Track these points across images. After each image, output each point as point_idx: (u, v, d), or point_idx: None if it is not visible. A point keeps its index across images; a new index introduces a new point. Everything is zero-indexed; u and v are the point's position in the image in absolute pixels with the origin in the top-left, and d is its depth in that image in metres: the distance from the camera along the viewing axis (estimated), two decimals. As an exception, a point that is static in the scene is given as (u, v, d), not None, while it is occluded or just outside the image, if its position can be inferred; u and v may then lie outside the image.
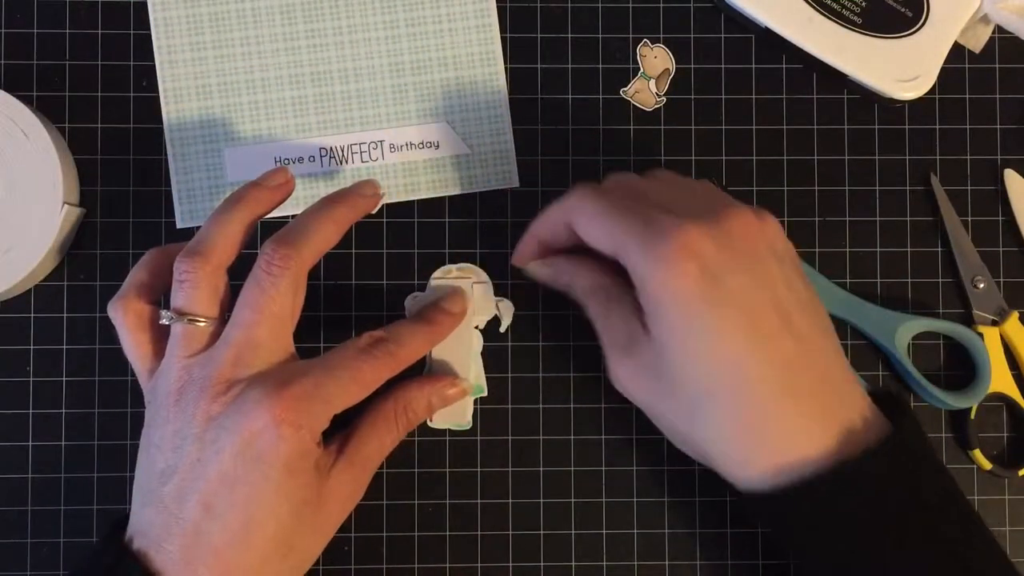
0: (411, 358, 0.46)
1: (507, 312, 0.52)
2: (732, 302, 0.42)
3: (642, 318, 0.44)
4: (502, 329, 0.50)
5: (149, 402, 0.45)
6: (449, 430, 0.52)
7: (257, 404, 0.41)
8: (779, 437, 0.42)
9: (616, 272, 0.45)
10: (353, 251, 0.53)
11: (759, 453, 0.42)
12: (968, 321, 0.54)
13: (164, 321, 0.44)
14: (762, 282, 0.42)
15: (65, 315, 0.52)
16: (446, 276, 0.51)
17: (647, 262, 0.42)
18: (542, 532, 0.52)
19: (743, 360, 0.41)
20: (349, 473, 0.45)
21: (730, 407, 0.42)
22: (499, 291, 0.51)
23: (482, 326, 0.51)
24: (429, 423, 0.51)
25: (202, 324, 0.44)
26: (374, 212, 0.48)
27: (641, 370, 0.44)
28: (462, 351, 0.50)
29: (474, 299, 0.50)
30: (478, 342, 0.51)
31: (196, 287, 0.44)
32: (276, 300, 0.43)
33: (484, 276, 0.51)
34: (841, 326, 0.53)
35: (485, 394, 0.52)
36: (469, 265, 0.51)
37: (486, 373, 0.52)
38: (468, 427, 0.51)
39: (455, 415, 0.51)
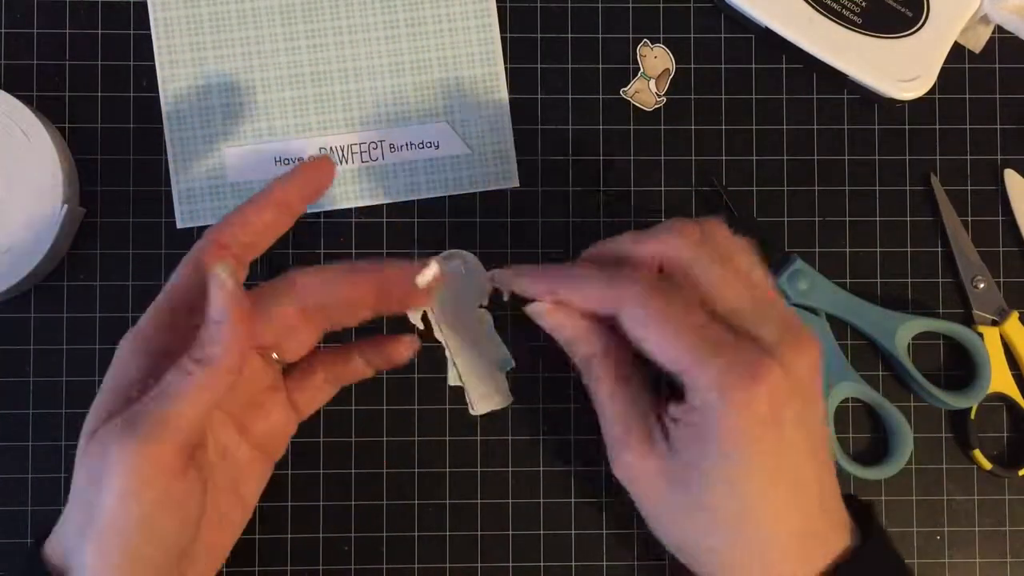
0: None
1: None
2: (788, 457, 0.41)
3: (662, 417, 0.42)
4: (505, 298, 0.47)
5: None
6: (449, 436, 0.52)
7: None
8: (781, 571, 0.42)
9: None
10: (353, 251, 0.53)
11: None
12: (968, 321, 0.54)
13: None
14: (811, 431, 0.42)
15: (65, 315, 0.52)
16: (432, 281, 0.47)
17: (724, 398, 0.39)
18: (542, 532, 0.52)
19: (783, 513, 0.41)
20: (144, 421, 0.40)
21: (752, 542, 0.41)
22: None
23: (485, 302, 0.52)
24: (471, 411, 0.52)
25: None
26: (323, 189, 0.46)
27: (656, 472, 0.42)
28: (476, 334, 0.51)
29: (468, 281, 0.51)
30: (487, 320, 0.52)
31: None
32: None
33: (469, 257, 0.52)
34: (841, 326, 0.53)
35: (513, 365, 0.52)
36: (453, 251, 0.52)
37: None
38: (510, 401, 0.52)
39: (491, 398, 0.52)
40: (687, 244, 0.42)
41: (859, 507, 0.45)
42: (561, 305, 0.43)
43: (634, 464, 0.42)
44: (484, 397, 0.52)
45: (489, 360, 0.52)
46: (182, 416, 0.40)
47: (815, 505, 0.42)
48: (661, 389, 0.43)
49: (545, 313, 0.44)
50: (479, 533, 0.52)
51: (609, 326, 0.43)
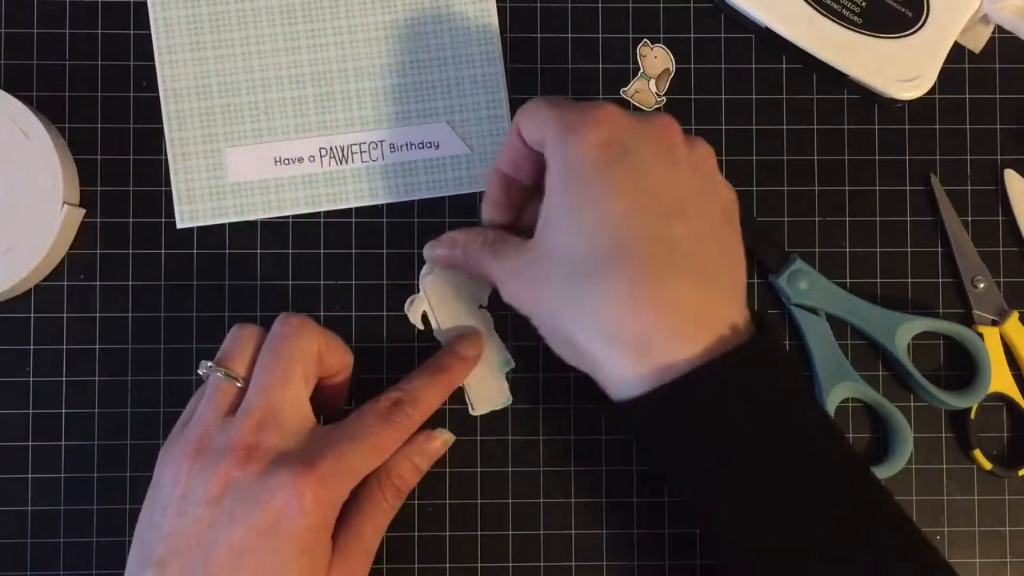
0: (428, 414, 0.47)
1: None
2: (631, 171, 0.42)
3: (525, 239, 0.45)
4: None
5: (161, 455, 0.44)
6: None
7: (285, 483, 0.41)
8: (655, 323, 0.41)
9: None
10: (353, 251, 0.53)
11: (633, 345, 0.41)
12: (968, 321, 0.54)
13: (201, 371, 0.45)
14: (668, 168, 0.43)
15: (65, 315, 0.52)
16: (430, 270, 0.52)
17: (560, 134, 0.43)
18: (542, 532, 0.52)
19: (629, 225, 0.41)
20: (347, 566, 0.44)
21: (610, 281, 0.41)
22: None
23: (485, 303, 0.52)
24: (471, 412, 0.52)
25: (237, 383, 0.44)
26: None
27: (526, 271, 0.44)
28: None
29: (468, 282, 0.51)
30: (488, 321, 0.52)
31: (240, 342, 0.45)
32: (292, 363, 0.44)
33: None
34: (841, 326, 0.53)
35: (513, 365, 0.52)
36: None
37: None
38: (510, 402, 0.52)
39: (491, 399, 0.52)
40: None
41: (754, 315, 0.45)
42: (439, 240, 0.50)
43: (511, 279, 0.45)
44: (484, 398, 0.52)
45: (489, 361, 0.52)
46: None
47: (686, 247, 0.41)
48: None
49: (432, 247, 0.51)
50: (479, 533, 0.52)
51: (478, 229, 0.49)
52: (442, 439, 0.49)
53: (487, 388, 0.52)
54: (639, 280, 0.41)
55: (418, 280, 0.52)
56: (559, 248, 0.42)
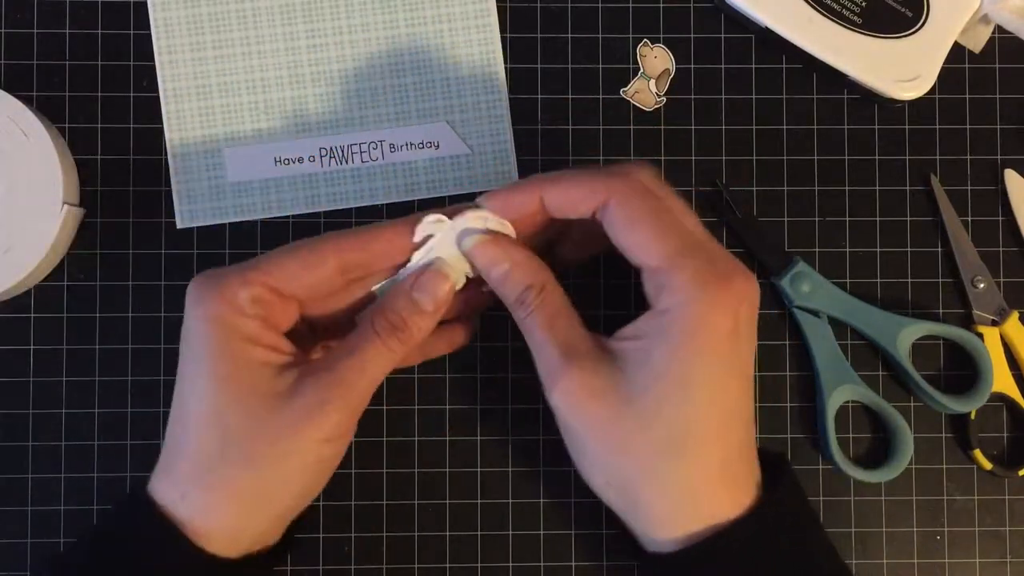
0: (365, 241, 0.44)
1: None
2: (741, 367, 0.42)
3: (604, 343, 0.43)
4: (485, 289, 0.46)
5: None
6: (449, 436, 0.52)
7: (189, 287, 0.43)
8: (727, 500, 0.42)
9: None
10: (353, 251, 0.53)
11: (685, 513, 0.42)
12: (968, 321, 0.54)
13: None
14: (752, 353, 0.43)
15: (65, 315, 0.52)
16: (477, 222, 0.45)
17: (698, 294, 0.40)
18: (542, 532, 0.52)
19: (738, 408, 0.42)
20: (316, 385, 0.42)
21: (706, 459, 0.41)
22: None
23: (472, 275, 0.46)
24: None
25: None
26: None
27: (602, 389, 0.41)
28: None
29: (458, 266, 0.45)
30: (460, 281, 0.45)
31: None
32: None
33: (510, 230, 0.45)
34: (842, 328, 0.53)
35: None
36: (505, 223, 0.45)
37: (480, 374, 0.52)
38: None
39: None
40: (655, 176, 0.45)
41: (771, 457, 0.45)
42: (497, 237, 0.44)
43: (579, 385, 0.42)
44: None
45: None
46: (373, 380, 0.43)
47: (751, 428, 0.43)
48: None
49: (483, 243, 0.44)
50: (479, 533, 0.52)
51: (543, 262, 0.44)
52: (450, 283, 0.44)
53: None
54: (729, 462, 0.42)
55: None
56: (663, 411, 0.41)
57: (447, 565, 0.52)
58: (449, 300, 0.45)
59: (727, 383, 0.41)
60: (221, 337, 0.42)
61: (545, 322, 0.43)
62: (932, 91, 0.53)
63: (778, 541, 0.42)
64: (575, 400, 0.42)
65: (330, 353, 0.44)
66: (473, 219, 0.44)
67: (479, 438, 0.53)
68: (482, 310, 0.48)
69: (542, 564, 0.52)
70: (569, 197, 0.43)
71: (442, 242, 0.45)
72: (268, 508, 0.43)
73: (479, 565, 0.52)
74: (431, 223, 0.44)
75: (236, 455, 0.42)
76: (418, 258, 0.45)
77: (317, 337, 0.47)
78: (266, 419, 0.42)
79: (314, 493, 0.45)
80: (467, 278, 0.45)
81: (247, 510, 0.43)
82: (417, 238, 0.44)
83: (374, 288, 0.46)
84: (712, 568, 0.41)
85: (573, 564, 0.52)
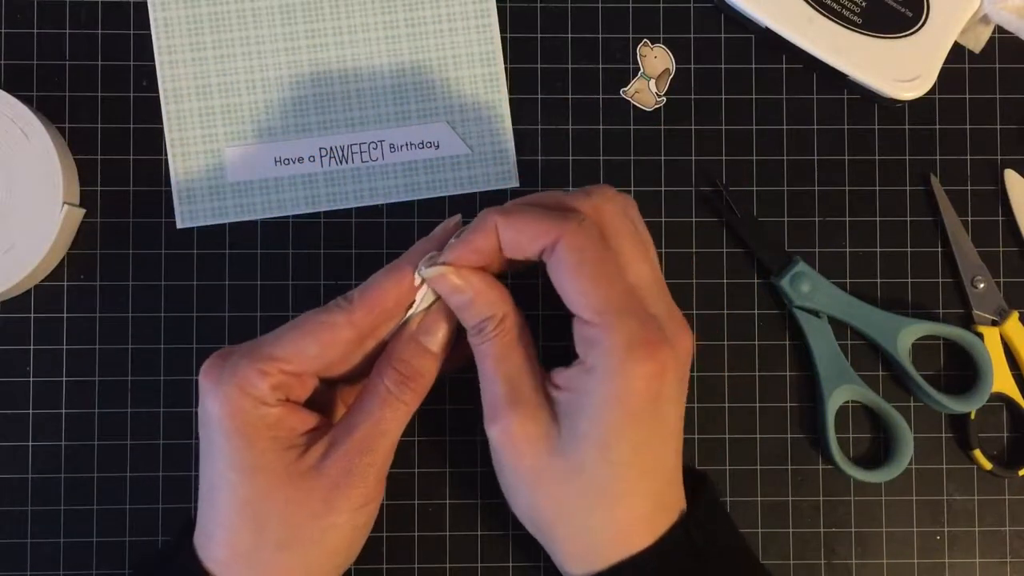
0: (375, 303, 0.44)
1: None
2: (661, 431, 0.43)
3: (545, 384, 0.43)
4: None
5: None
6: (449, 437, 0.52)
7: (202, 371, 0.43)
8: (627, 545, 0.43)
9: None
10: (353, 251, 0.53)
11: (602, 549, 0.43)
12: (968, 321, 0.54)
13: None
14: (679, 412, 0.44)
15: (65, 315, 0.52)
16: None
17: (623, 363, 0.41)
18: (542, 532, 0.52)
19: (645, 482, 0.43)
20: (341, 458, 0.43)
21: (613, 508, 0.43)
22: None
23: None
24: None
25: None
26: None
27: (536, 437, 0.42)
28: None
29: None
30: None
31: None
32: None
33: None
34: (842, 328, 0.53)
35: None
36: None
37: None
38: None
39: None
40: (617, 212, 0.44)
41: (694, 476, 0.48)
42: (459, 267, 0.43)
43: (515, 427, 0.42)
44: None
45: None
46: (393, 438, 0.44)
47: (670, 478, 0.44)
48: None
49: (444, 274, 0.43)
50: (479, 533, 0.52)
51: (507, 292, 0.44)
52: (453, 322, 0.44)
53: None
54: (643, 510, 0.43)
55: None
56: (585, 469, 0.42)
57: (447, 565, 0.52)
58: (451, 336, 0.45)
59: (648, 443, 0.42)
60: (243, 429, 0.42)
61: (498, 356, 0.43)
62: (932, 91, 0.53)
63: (682, 565, 0.43)
64: (510, 442, 0.43)
65: (349, 418, 0.44)
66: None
67: (479, 438, 0.53)
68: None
69: (542, 564, 0.52)
70: (520, 236, 0.43)
71: None
72: None
73: (479, 565, 0.52)
74: (427, 265, 0.44)
75: (276, 539, 0.42)
76: (420, 297, 0.44)
77: (336, 390, 0.48)
78: (299, 500, 0.42)
79: (354, 556, 0.46)
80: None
81: None
82: (418, 282, 0.44)
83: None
84: None
85: (573, 564, 0.52)
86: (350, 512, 0.43)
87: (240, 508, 0.42)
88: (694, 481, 0.46)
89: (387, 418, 0.43)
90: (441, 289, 0.44)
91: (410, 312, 0.45)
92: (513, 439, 0.43)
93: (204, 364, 0.43)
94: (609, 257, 0.42)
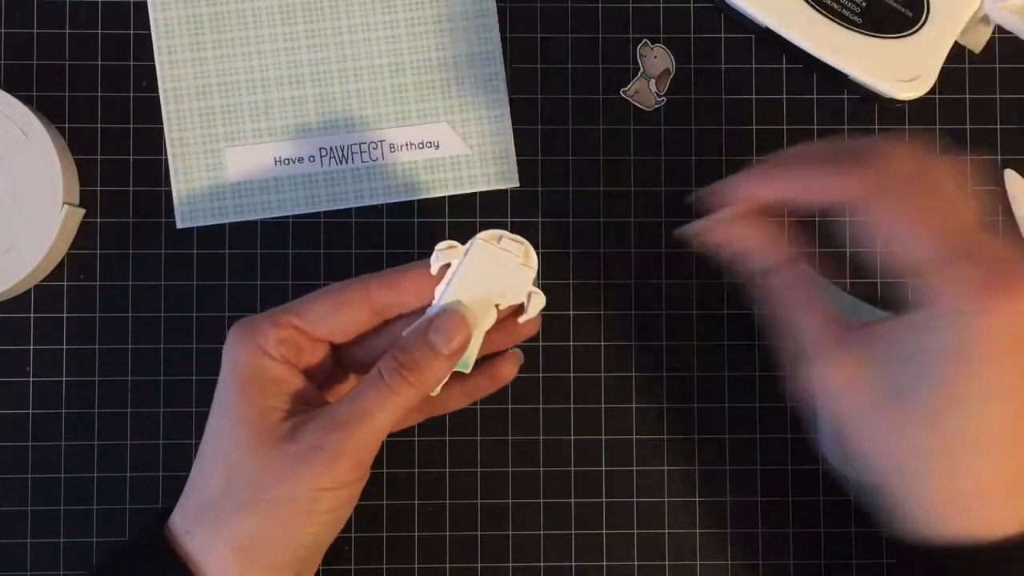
0: (392, 280, 0.44)
1: (536, 305, 0.45)
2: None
3: (864, 330, 0.40)
4: (521, 319, 0.45)
5: None
6: (449, 436, 0.52)
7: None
8: (997, 511, 0.39)
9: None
10: (353, 251, 0.53)
11: (966, 513, 0.39)
12: (968, 321, 0.54)
13: None
14: None
15: (65, 315, 0.52)
16: (492, 241, 0.44)
17: (985, 302, 0.37)
18: (542, 532, 0.52)
19: (1011, 445, 0.38)
20: (314, 430, 0.41)
21: (981, 471, 0.38)
22: None
23: (503, 307, 0.44)
24: None
25: None
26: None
27: (872, 384, 0.39)
28: (474, 323, 0.44)
29: (512, 281, 0.44)
30: (490, 320, 0.44)
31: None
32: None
33: (534, 261, 0.44)
34: (841, 326, 0.53)
35: (467, 371, 0.45)
36: (522, 241, 0.44)
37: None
38: (435, 394, 0.44)
39: None
40: (912, 161, 0.41)
41: None
42: (741, 217, 0.42)
43: (837, 374, 0.39)
44: None
45: None
46: (376, 426, 0.42)
47: None
48: None
49: (731, 219, 0.42)
50: (479, 533, 0.52)
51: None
52: (467, 325, 0.43)
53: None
54: (1016, 475, 0.39)
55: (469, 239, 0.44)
56: (942, 419, 0.38)
57: (447, 565, 0.52)
58: (466, 344, 0.43)
59: (1012, 400, 0.38)
60: (241, 377, 0.43)
61: (800, 299, 0.41)
62: (932, 91, 0.53)
63: None
64: (832, 391, 0.40)
65: (340, 399, 0.43)
66: (488, 237, 0.43)
67: (479, 438, 0.53)
68: (532, 332, 0.47)
69: (542, 564, 0.52)
70: (822, 186, 0.41)
71: (465, 282, 0.43)
72: (266, 558, 0.42)
73: (479, 565, 0.52)
74: (443, 250, 0.43)
75: (238, 497, 0.42)
76: (439, 294, 0.43)
77: (348, 380, 0.47)
78: (266, 462, 0.42)
79: (317, 546, 0.44)
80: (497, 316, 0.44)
81: (245, 556, 0.42)
82: (434, 270, 0.43)
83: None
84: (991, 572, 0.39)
85: (573, 564, 0.52)
86: (313, 489, 0.41)
87: (218, 456, 0.42)
88: None
89: (371, 400, 0.42)
90: (722, 236, 0.42)
91: (429, 310, 0.44)
92: (835, 390, 0.40)
93: (234, 324, 0.44)
94: (929, 203, 0.39)
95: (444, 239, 0.45)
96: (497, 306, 0.44)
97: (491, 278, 0.44)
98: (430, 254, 0.52)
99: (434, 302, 0.44)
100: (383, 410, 0.42)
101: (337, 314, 0.44)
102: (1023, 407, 0.38)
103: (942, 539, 0.39)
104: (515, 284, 0.44)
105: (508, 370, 0.47)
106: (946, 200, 0.40)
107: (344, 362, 0.46)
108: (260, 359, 0.43)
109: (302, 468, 0.41)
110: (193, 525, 0.42)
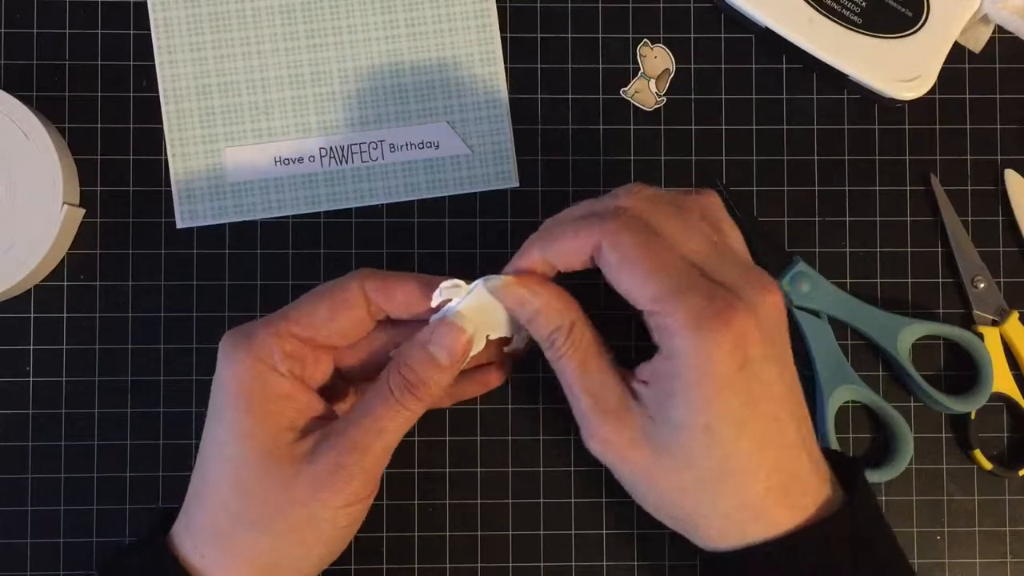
0: (386, 284, 0.44)
1: (524, 339, 0.46)
2: (762, 396, 0.41)
3: (630, 383, 0.42)
4: (507, 349, 0.46)
5: None
6: (449, 436, 0.52)
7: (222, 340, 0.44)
8: (764, 520, 0.42)
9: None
10: (353, 251, 0.53)
11: (739, 528, 0.42)
12: (968, 321, 0.54)
13: None
14: (782, 371, 0.42)
15: (65, 315, 0.52)
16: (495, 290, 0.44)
17: (696, 340, 0.39)
18: (542, 532, 0.52)
19: (761, 453, 0.41)
20: (332, 451, 0.42)
21: (736, 491, 0.41)
22: None
23: (495, 336, 0.45)
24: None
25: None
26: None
27: (636, 440, 0.41)
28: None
29: (506, 321, 0.45)
30: (479, 348, 0.45)
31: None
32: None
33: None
34: (842, 328, 0.53)
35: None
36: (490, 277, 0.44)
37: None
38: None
39: None
40: (649, 198, 0.43)
41: (841, 460, 0.45)
42: (525, 277, 0.43)
43: (611, 436, 0.42)
44: None
45: None
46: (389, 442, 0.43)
47: (796, 446, 0.42)
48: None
49: (509, 285, 0.43)
50: (479, 533, 0.52)
51: (573, 298, 0.43)
52: (467, 336, 0.43)
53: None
54: (773, 483, 0.41)
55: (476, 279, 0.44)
56: (694, 458, 0.41)
57: (447, 565, 0.52)
58: (467, 354, 0.44)
59: (752, 414, 0.41)
60: (247, 395, 0.42)
61: (576, 368, 0.43)
62: (932, 91, 0.53)
63: (840, 549, 0.41)
64: (612, 451, 0.42)
65: (351, 413, 0.43)
66: (494, 287, 0.43)
67: (479, 438, 0.53)
68: (521, 356, 0.47)
69: (542, 564, 0.52)
70: (566, 252, 0.42)
71: (482, 314, 0.44)
72: (285, 575, 0.43)
73: (479, 565, 0.52)
74: (448, 288, 0.43)
75: (253, 518, 0.42)
76: (438, 303, 0.44)
77: (351, 389, 0.47)
78: (283, 483, 0.42)
79: (331, 558, 0.45)
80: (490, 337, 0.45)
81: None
82: (434, 303, 0.43)
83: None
84: (770, 567, 0.42)
85: (573, 564, 0.52)
86: (333, 509, 0.42)
87: (227, 476, 0.42)
88: (838, 465, 0.44)
89: (385, 419, 0.43)
90: (505, 300, 0.43)
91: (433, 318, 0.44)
92: (615, 448, 0.42)
93: (225, 334, 0.44)
94: (654, 242, 0.41)
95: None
96: (487, 336, 0.45)
97: (487, 316, 0.44)
98: (430, 254, 0.53)
99: (440, 313, 0.44)
100: (393, 425, 0.43)
101: (339, 315, 0.44)
102: (756, 431, 0.41)
103: (724, 548, 0.42)
104: (508, 324, 0.45)
105: (496, 378, 0.48)
106: (674, 234, 0.42)
107: (340, 370, 0.46)
108: (267, 375, 0.42)
109: (322, 490, 0.42)
110: (206, 547, 0.42)
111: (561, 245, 0.42)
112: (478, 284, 0.43)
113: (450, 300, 0.43)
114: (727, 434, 0.40)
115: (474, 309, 0.43)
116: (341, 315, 0.44)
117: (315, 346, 0.44)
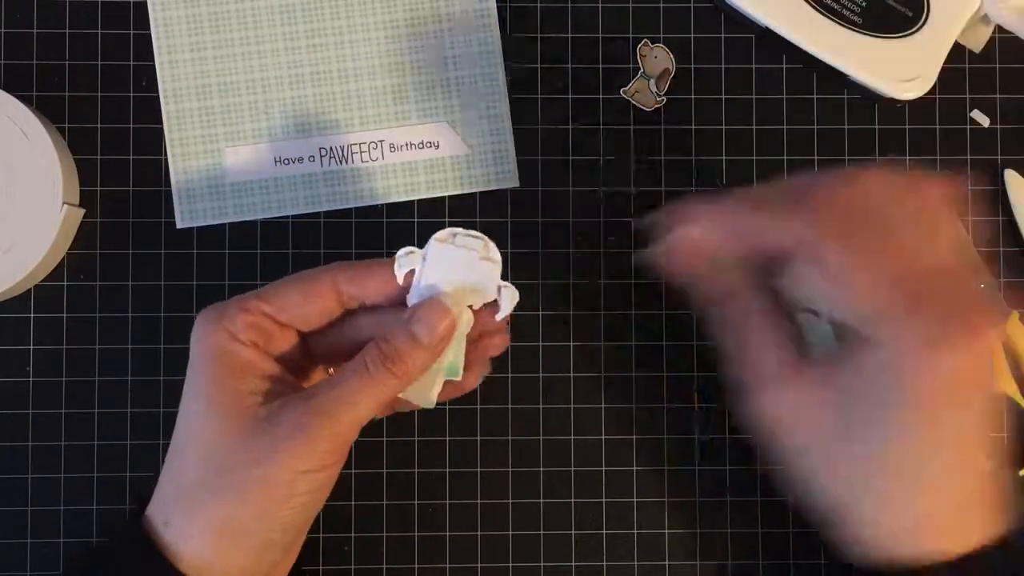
0: (357, 273, 0.44)
1: (509, 300, 0.44)
2: (972, 418, 0.39)
3: (810, 365, 0.40)
4: (498, 317, 0.44)
5: None
6: (449, 436, 0.52)
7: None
8: (944, 539, 0.40)
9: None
10: (353, 251, 0.53)
11: (920, 538, 0.40)
12: (968, 321, 0.54)
13: None
14: (980, 405, 0.40)
15: (65, 315, 0.52)
16: (448, 240, 0.44)
17: (918, 355, 0.37)
18: (542, 532, 0.52)
19: (955, 478, 0.40)
20: (296, 412, 0.41)
21: (932, 496, 0.40)
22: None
23: (477, 307, 0.44)
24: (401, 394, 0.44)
25: None
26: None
27: (826, 407, 0.39)
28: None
29: (477, 277, 0.44)
30: (467, 323, 0.44)
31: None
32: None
33: (495, 254, 0.44)
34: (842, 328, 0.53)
35: (458, 378, 0.45)
36: (480, 236, 0.44)
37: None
38: (431, 406, 0.44)
39: (418, 390, 0.44)
40: (882, 191, 0.40)
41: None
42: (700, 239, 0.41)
43: (791, 398, 0.40)
44: (410, 388, 0.45)
45: (439, 360, 0.44)
46: (357, 413, 0.42)
47: (977, 476, 0.40)
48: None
49: (688, 245, 0.41)
50: (479, 533, 0.52)
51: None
52: (451, 316, 0.42)
53: (418, 384, 0.44)
54: (964, 501, 0.40)
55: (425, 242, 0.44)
56: (894, 444, 0.39)
57: (447, 565, 0.52)
58: (450, 335, 0.43)
59: (957, 438, 0.39)
60: (213, 363, 0.42)
61: (756, 322, 0.41)
62: (932, 91, 0.53)
63: None
64: (784, 415, 0.40)
65: (320, 383, 0.43)
66: (444, 237, 0.43)
67: (479, 438, 0.53)
68: (496, 354, 0.46)
69: (542, 564, 0.52)
70: (755, 240, 0.41)
71: (447, 272, 0.43)
72: (245, 541, 0.42)
73: (479, 565, 0.52)
74: (404, 256, 0.43)
75: (215, 481, 0.41)
76: (411, 298, 0.43)
77: (318, 368, 0.47)
78: (244, 443, 0.41)
79: (294, 531, 0.44)
80: (476, 307, 0.44)
81: (223, 541, 0.42)
82: (400, 279, 0.43)
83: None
84: None
85: (573, 564, 0.52)
86: (292, 472, 0.41)
87: (193, 441, 0.42)
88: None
89: (355, 388, 0.42)
90: (679, 262, 0.42)
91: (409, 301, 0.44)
92: (788, 413, 0.40)
93: (200, 312, 0.44)
94: (874, 245, 0.38)
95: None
96: (471, 307, 0.44)
97: (456, 277, 0.43)
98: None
99: (409, 302, 0.43)
100: (365, 399, 0.42)
101: (306, 301, 0.44)
102: (955, 454, 0.40)
103: (889, 561, 0.40)
104: (481, 280, 0.44)
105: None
106: (899, 239, 0.39)
107: (310, 350, 0.46)
108: (230, 344, 0.42)
109: (281, 450, 0.41)
110: (170, 514, 0.42)
111: (763, 233, 0.40)
112: (430, 243, 0.43)
113: (413, 269, 0.43)
114: (932, 457, 0.39)
115: (440, 274, 0.43)
116: (309, 302, 0.44)
117: (283, 325, 0.44)
